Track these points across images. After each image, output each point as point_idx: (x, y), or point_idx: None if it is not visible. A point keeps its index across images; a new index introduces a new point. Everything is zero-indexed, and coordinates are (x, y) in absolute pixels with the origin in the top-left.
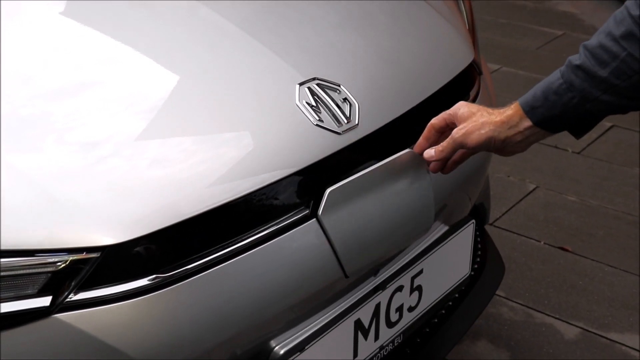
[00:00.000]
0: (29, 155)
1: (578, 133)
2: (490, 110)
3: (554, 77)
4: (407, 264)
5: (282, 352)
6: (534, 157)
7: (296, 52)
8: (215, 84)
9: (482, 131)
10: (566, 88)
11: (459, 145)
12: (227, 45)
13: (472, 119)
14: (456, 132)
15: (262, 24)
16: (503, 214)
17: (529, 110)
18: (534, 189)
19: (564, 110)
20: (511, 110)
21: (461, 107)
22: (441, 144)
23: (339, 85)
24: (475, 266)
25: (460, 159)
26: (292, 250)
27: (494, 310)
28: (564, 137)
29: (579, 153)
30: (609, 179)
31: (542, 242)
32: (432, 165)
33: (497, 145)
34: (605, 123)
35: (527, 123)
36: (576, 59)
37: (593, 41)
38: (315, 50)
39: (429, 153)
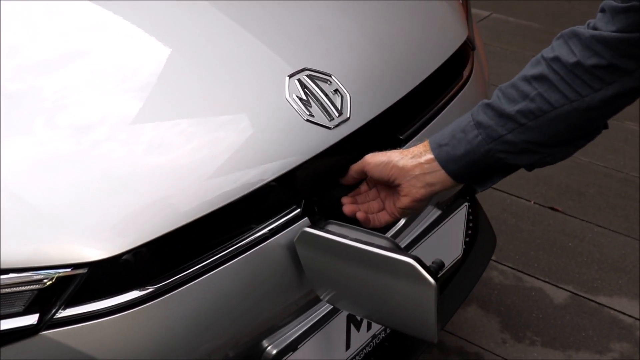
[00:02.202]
0: (12, 168)
1: (478, 183)
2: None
3: (465, 117)
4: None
5: (274, 352)
6: None
7: (284, 40)
8: (199, 79)
9: (382, 155)
10: (473, 125)
11: (363, 163)
12: (212, 35)
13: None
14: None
15: (248, 10)
16: None
17: (435, 148)
18: None
19: (467, 151)
20: (420, 147)
21: (367, 157)
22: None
23: (330, 76)
24: (467, 239)
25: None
26: (284, 250)
27: (484, 274)
28: None
29: None
30: (600, 134)
31: (532, 202)
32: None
33: (393, 173)
34: None
35: (430, 156)
36: (488, 98)
37: (507, 83)
38: (304, 37)
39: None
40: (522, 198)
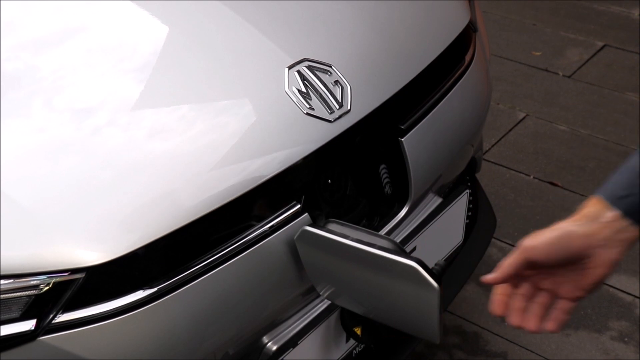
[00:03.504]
0: (8, 173)
1: None
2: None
3: (634, 160)
4: (400, 242)
5: (274, 348)
6: (525, 82)
7: (283, 28)
8: (198, 73)
9: (550, 231)
10: None
11: (525, 252)
12: (208, 24)
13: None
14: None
15: None
16: (492, 146)
17: (614, 202)
18: (523, 118)
19: None
20: (588, 207)
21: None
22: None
23: (330, 66)
24: (468, 221)
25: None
26: (285, 247)
27: None
28: (555, 60)
29: (569, 77)
30: (599, 106)
31: (531, 177)
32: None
33: (579, 245)
34: (597, 42)
35: (612, 213)
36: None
37: None
38: (303, 25)
39: (486, 277)
40: (521, 173)
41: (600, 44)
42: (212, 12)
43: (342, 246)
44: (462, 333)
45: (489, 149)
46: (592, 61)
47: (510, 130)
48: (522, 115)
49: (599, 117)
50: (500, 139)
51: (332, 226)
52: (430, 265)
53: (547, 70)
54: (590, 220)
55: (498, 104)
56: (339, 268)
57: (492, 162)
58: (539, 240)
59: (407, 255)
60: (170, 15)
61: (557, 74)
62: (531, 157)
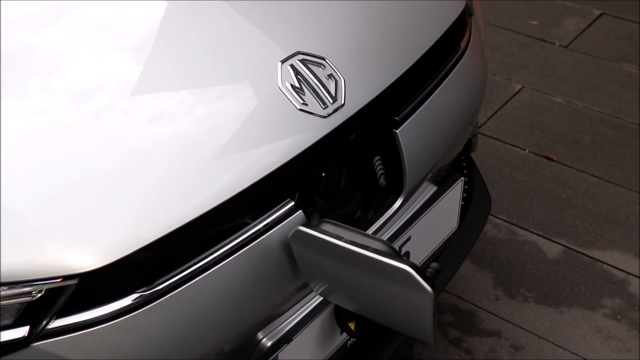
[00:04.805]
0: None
1: None
2: None
3: None
4: (395, 233)
5: (269, 344)
6: (522, 52)
7: (276, 20)
8: (188, 69)
9: None
10: None
11: None
12: (202, 18)
13: None
14: None
15: None
16: (488, 119)
17: None
18: (519, 90)
19: None
20: None
21: None
22: None
23: (324, 59)
24: (463, 203)
25: None
26: (279, 245)
27: None
28: (552, 30)
29: (566, 47)
30: (595, 77)
31: (527, 151)
32: None
33: None
34: (594, 10)
35: None
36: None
37: None
38: (296, 16)
39: None
40: (516, 147)
41: (598, 12)
42: (203, 5)
43: (336, 248)
44: (456, 311)
45: (485, 122)
46: (589, 30)
47: (506, 102)
48: (518, 87)
49: (595, 89)
50: (496, 112)
51: (325, 226)
52: (421, 259)
53: (543, 40)
54: None
55: (494, 75)
56: (333, 268)
57: (488, 136)
58: None
59: (401, 259)
60: (160, 10)
61: (554, 44)
62: (527, 131)
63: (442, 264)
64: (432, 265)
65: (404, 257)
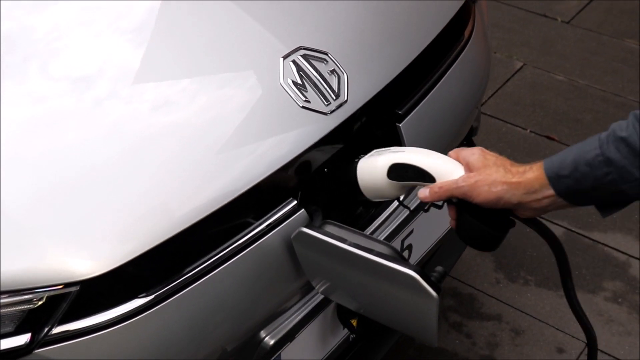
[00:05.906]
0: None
1: (605, 210)
2: (508, 166)
3: (590, 146)
4: (397, 227)
5: (272, 342)
6: (523, 28)
7: (277, 14)
8: (188, 65)
9: (493, 189)
10: (602, 161)
11: (462, 195)
12: (203, 13)
13: (485, 172)
14: (463, 180)
15: None
16: (489, 97)
17: (554, 178)
18: (521, 67)
19: (594, 186)
20: (532, 174)
21: (475, 153)
22: (439, 183)
23: (327, 54)
24: None
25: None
26: (282, 245)
27: None
28: (554, 5)
29: (568, 22)
30: (597, 54)
31: (528, 130)
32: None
33: (506, 206)
34: None
35: (549, 192)
36: (622, 129)
37: None
38: (297, 10)
39: (423, 193)
40: (518, 126)
41: None
42: (204, 0)
43: (340, 250)
44: (457, 295)
45: (486, 100)
46: (591, 5)
47: (507, 81)
48: (519, 64)
49: (597, 66)
50: (497, 90)
51: (328, 228)
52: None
53: (545, 16)
54: (526, 192)
55: (495, 52)
56: (337, 270)
57: (489, 115)
58: (478, 193)
59: (406, 264)
60: (162, 7)
61: (556, 19)
62: (528, 110)
63: (443, 252)
64: (437, 269)
65: (408, 261)
